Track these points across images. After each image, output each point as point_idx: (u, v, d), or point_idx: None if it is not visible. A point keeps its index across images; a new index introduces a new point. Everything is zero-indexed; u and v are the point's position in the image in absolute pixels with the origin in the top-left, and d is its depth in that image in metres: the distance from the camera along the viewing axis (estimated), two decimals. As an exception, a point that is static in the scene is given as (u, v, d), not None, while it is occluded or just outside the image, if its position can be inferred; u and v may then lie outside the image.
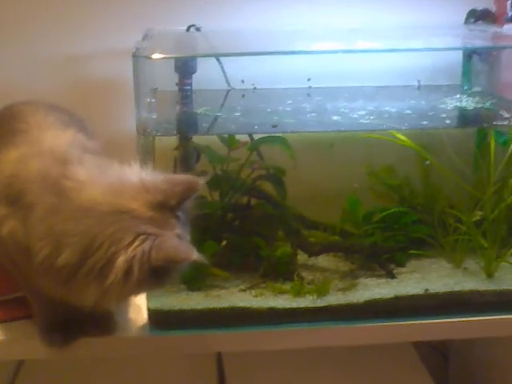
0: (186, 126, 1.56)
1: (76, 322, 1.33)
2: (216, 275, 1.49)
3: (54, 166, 1.19)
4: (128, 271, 1.08)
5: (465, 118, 1.62)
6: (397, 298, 1.44)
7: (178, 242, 1.13)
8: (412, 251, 1.56)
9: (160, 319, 1.40)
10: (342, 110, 1.59)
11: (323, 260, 1.58)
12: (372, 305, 1.43)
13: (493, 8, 1.77)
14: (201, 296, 1.45)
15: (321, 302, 1.43)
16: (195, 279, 1.47)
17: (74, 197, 1.13)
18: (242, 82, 1.69)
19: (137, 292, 1.17)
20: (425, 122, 1.53)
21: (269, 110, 1.61)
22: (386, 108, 1.61)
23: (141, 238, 1.09)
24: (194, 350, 1.46)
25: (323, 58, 1.62)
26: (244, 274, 1.51)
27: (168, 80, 1.57)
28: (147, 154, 1.37)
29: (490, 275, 1.51)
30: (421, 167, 1.56)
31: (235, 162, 1.53)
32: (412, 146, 1.50)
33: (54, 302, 1.24)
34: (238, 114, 1.58)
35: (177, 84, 1.56)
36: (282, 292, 1.46)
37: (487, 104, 1.63)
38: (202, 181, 1.19)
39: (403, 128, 1.51)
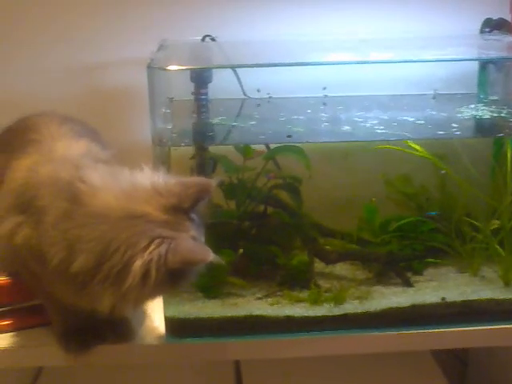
0: (202, 136, 1.56)
1: (93, 328, 1.33)
2: (233, 283, 1.49)
3: (66, 171, 1.19)
4: (145, 275, 1.09)
5: (481, 127, 1.62)
6: (414, 307, 1.43)
7: (194, 244, 1.13)
8: (429, 259, 1.56)
9: (176, 327, 1.40)
10: (356, 119, 1.59)
11: (340, 268, 1.58)
12: (389, 313, 1.43)
13: (509, 17, 1.76)
14: (217, 304, 1.45)
15: (338, 311, 1.43)
16: (212, 287, 1.47)
17: (87, 202, 1.14)
18: (258, 91, 1.69)
19: (154, 296, 1.17)
20: (441, 132, 1.53)
21: (284, 120, 1.61)
22: (402, 117, 1.61)
23: (156, 241, 1.10)
24: (209, 358, 1.47)
25: (338, 68, 1.61)
26: (261, 283, 1.51)
27: (184, 89, 1.57)
28: (163, 165, 1.37)
29: (507, 283, 1.51)
30: (437, 176, 1.55)
31: (251, 171, 1.53)
32: (426, 155, 1.50)
33: (70, 309, 1.24)
34: (253, 123, 1.59)
35: (193, 93, 1.57)
36: (298, 300, 1.46)
37: (503, 113, 1.62)
38: (214, 183, 1.19)
39: (418, 138, 1.50)
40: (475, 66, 1.74)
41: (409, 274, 1.54)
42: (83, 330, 1.33)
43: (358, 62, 1.51)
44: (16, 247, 1.20)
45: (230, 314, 1.41)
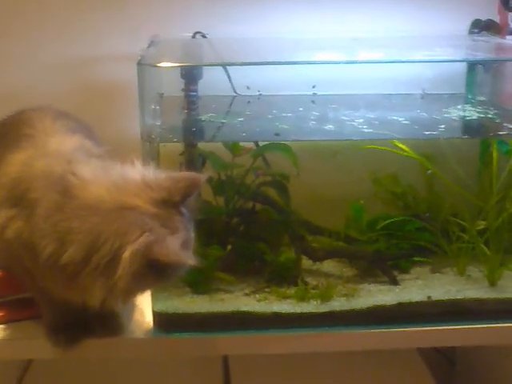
0: (191, 132, 1.56)
1: (82, 322, 1.34)
2: (221, 279, 1.50)
3: (59, 165, 1.20)
4: (132, 265, 1.09)
5: (468, 128, 1.63)
6: (399, 305, 1.45)
7: (180, 246, 1.13)
8: (415, 258, 1.57)
9: (164, 322, 1.41)
10: (344, 118, 1.61)
11: (328, 265, 1.59)
12: (375, 311, 1.44)
13: (497, 19, 1.78)
14: (205, 299, 1.46)
15: (324, 308, 1.44)
16: (200, 283, 1.48)
17: (77, 194, 1.14)
18: (248, 88, 1.70)
19: (142, 289, 1.18)
20: (427, 132, 1.54)
21: (273, 117, 1.62)
22: (389, 117, 1.62)
23: (146, 233, 1.10)
24: (196, 353, 1.46)
25: (328, 66, 1.62)
26: (249, 279, 1.52)
27: (174, 86, 1.58)
28: (152, 161, 1.38)
29: (492, 283, 1.52)
30: (424, 176, 1.57)
31: (239, 168, 1.54)
32: (413, 155, 1.51)
33: (61, 303, 1.25)
34: (242, 120, 1.59)
35: (183, 90, 1.58)
36: (285, 297, 1.47)
37: (490, 114, 1.63)
38: (203, 178, 1.20)
39: (405, 138, 1.51)
40: (463, 66, 1.76)
41: (395, 273, 1.55)
42: (72, 324, 1.34)
43: (347, 62, 1.53)
44: (8, 241, 1.20)
45: (217, 310, 1.42)
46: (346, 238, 1.59)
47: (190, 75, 1.57)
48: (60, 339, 1.33)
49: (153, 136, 1.40)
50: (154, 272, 1.12)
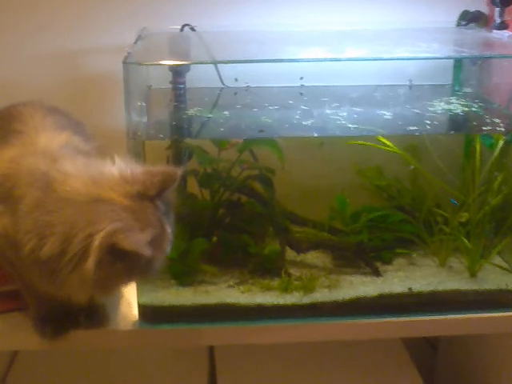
0: (176, 130, 1.57)
1: (68, 314, 1.37)
2: (205, 271, 1.53)
3: (45, 163, 1.22)
4: (98, 253, 1.11)
5: (452, 122, 1.63)
6: (381, 296, 1.47)
7: (148, 238, 1.15)
8: (398, 250, 1.60)
9: (149, 314, 1.44)
10: (328, 112, 1.62)
11: (312, 256, 1.61)
12: (356, 302, 1.47)
13: (486, 10, 1.78)
14: (190, 291, 1.49)
15: (307, 299, 1.47)
16: (185, 275, 1.51)
17: (56, 188, 1.17)
18: (236, 80, 1.71)
19: (113, 280, 1.19)
20: (412, 127, 1.54)
21: (259, 111, 1.63)
22: (374, 111, 1.63)
23: (115, 223, 1.12)
24: (181, 344, 1.51)
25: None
26: (233, 270, 1.55)
27: (162, 78, 1.60)
28: (137, 156, 1.40)
29: (473, 275, 1.55)
30: (407, 169, 1.59)
31: (225, 162, 1.56)
32: (396, 151, 1.53)
33: (46, 296, 1.28)
34: (228, 115, 1.60)
35: (170, 82, 1.59)
36: (269, 288, 1.50)
37: (475, 107, 1.64)
38: (179, 171, 1.21)
39: (388, 133, 1.52)
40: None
41: (378, 264, 1.58)
42: (58, 316, 1.37)
43: (332, 60, 1.54)
44: None
45: (202, 302, 1.45)
46: (330, 230, 1.62)
47: (178, 68, 1.58)
48: (46, 331, 1.37)
49: (139, 133, 1.41)
50: (120, 261, 1.14)
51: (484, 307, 1.49)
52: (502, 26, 1.66)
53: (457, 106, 1.64)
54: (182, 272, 1.50)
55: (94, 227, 1.12)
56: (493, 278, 1.54)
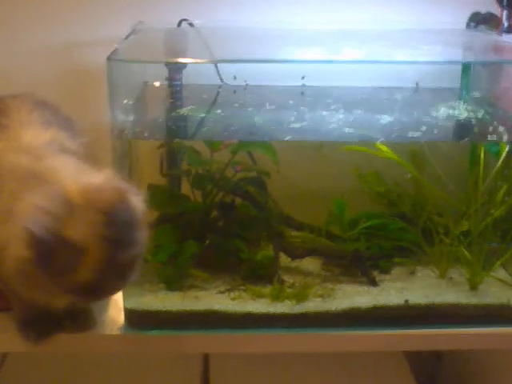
0: (167, 129, 1.51)
1: (53, 317, 1.33)
2: (196, 276, 1.48)
3: (28, 160, 1.19)
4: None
5: (458, 130, 1.56)
6: (375, 308, 1.42)
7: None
8: (396, 259, 1.54)
9: (135, 319, 1.40)
10: (326, 115, 1.55)
11: (307, 262, 1.56)
12: (349, 313, 1.42)
13: (498, 11, 1.72)
14: (179, 296, 1.44)
15: (298, 309, 1.42)
16: (174, 279, 1.46)
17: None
18: (234, 78, 1.66)
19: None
20: (413, 134, 1.47)
21: (255, 111, 1.57)
22: (375, 115, 1.56)
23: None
24: (166, 351, 1.47)
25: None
26: (225, 276, 1.50)
27: (159, 74, 1.56)
28: (124, 157, 1.36)
29: (473, 287, 1.49)
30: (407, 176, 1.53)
31: (217, 163, 1.52)
32: (394, 158, 1.47)
33: (27, 299, 1.24)
34: (223, 114, 1.55)
35: (166, 79, 1.55)
36: (260, 296, 1.45)
37: (481, 113, 1.58)
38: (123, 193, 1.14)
39: (387, 139, 1.46)
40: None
41: (375, 273, 1.53)
42: (42, 319, 1.33)
43: (331, 61, 1.48)
44: None
45: (189, 308, 1.40)
46: (327, 235, 1.57)
47: (174, 65, 1.54)
48: (30, 334, 1.33)
49: (125, 132, 1.36)
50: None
51: (484, 322, 1.43)
52: (511, 29, 1.60)
53: (463, 112, 1.58)
54: (170, 276, 1.46)
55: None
56: (494, 292, 1.48)
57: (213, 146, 1.51)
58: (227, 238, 1.51)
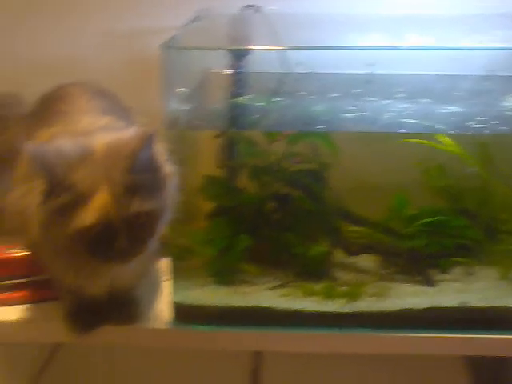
0: (227, 120, 1.48)
1: (100, 308, 1.33)
2: (246, 271, 1.46)
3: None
4: None
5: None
6: (430, 310, 1.37)
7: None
8: (455, 259, 1.48)
9: (182, 313, 1.39)
10: (388, 103, 1.51)
11: (363, 259, 1.52)
12: (402, 314, 1.37)
13: None
14: (227, 291, 1.43)
15: (349, 308, 1.38)
16: (224, 273, 1.45)
17: None
18: (297, 65, 1.61)
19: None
20: (482, 126, 1.41)
21: (317, 100, 1.53)
22: (441, 104, 1.49)
23: None
24: (213, 347, 1.44)
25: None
26: (276, 271, 1.48)
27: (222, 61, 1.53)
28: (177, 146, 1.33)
29: (538, 291, 1.42)
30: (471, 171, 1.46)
31: (274, 155, 1.48)
32: (458, 151, 1.41)
33: (74, 289, 1.27)
34: (283, 102, 1.52)
35: (230, 67, 1.52)
36: (312, 293, 1.42)
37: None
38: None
39: (451, 130, 1.40)
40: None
41: (435, 272, 1.48)
42: (89, 310, 1.34)
43: (398, 48, 1.45)
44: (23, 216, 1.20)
45: (236, 304, 1.39)
46: (386, 231, 1.51)
47: (237, 51, 1.51)
48: (77, 324, 1.34)
49: (179, 122, 1.35)
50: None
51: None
52: None
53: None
54: (220, 270, 1.44)
55: None
56: (560, 296, 1.41)
57: (270, 136, 1.47)
58: (281, 232, 1.48)
